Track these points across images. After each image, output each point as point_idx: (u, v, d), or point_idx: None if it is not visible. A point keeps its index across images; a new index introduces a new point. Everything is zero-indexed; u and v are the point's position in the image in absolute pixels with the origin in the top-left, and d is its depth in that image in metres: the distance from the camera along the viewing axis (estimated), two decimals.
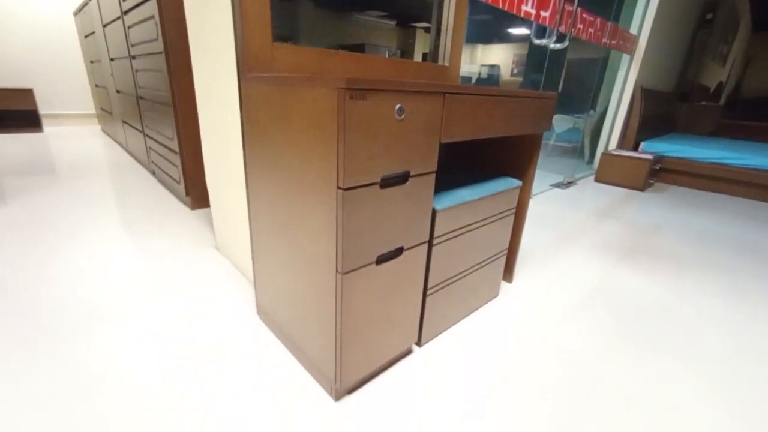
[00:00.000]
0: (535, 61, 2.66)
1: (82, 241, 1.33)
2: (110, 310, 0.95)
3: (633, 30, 2.75)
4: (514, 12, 1.52)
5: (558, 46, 1.88)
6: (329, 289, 0.63)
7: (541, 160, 3.35)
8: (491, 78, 6.57)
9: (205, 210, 1.72)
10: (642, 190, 2.55)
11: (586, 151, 3.35)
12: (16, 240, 1.30)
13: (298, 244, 0.69)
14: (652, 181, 2.61)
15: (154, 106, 1.74)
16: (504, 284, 1.20)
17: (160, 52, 1.46)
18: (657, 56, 3.15)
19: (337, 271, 0.60)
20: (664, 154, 2.80)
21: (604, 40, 2.33)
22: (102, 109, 3.34)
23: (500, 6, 1.44)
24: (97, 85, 3.26)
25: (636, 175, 2.54)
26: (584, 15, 2.01)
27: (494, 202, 0.92)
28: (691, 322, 1.06)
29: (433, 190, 0.71)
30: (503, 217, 0.99)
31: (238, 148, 0.93)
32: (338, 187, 0.55)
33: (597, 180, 2.75)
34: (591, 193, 2.47)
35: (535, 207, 2.08)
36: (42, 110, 3.73)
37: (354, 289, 0.63)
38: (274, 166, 0.71)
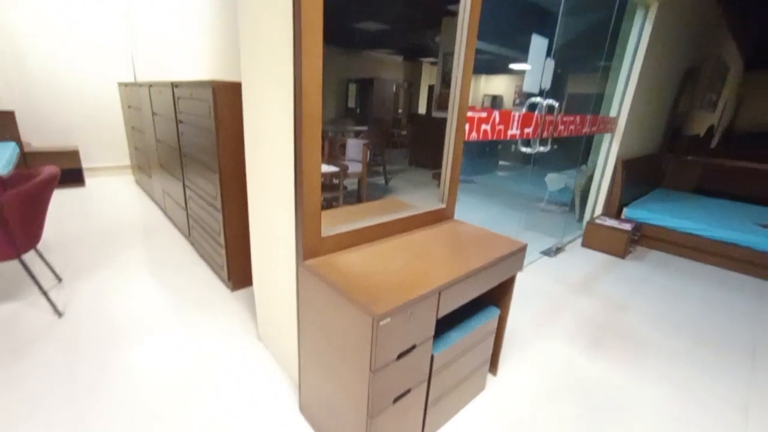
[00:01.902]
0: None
1: (124, 334, 1.65)
2: (155, 409, 1.26)
3: (612, 113, 3.10)
4: (503, 138, 1.87)
5: (543, 149, 2.22)
6: (362, 408, 0.94)
7: (535, 220, 3.66)
8: (494, 107, 7.00)
9: (245, 291, 2.04)
10: (623, 257, 2.85)
11: (577, 210, 3.66)
12: (69, 342, 1.63)
13: (341, 383, 1.01)
14: (632, 249, 2.91)
15: (205, 208, 2.09)
16: (490, 377, 1.50)
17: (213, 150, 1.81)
18: (638, 129, 3.49)
19: (367, 414, 0.91)
20: (644, 221, 3.11)
21: (584, 130, 2.67)
22: (139, 168, 3.73)
23: (490, 137, 1.78)
24: (136, 148, 3.66)
25: (617, 244, 2.84)
26: (564, 118, 2.36)
27: (479, 333, 1.23)
28: (643, 415, 1.35)
29: (431, 347, 1.02)
30: (487, 338, 1.30)
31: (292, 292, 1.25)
32: (370, 370, 0.87)
33: (584, 245, 3.06)
34: (577, 261, 2.77)
35: (523, 279, 2.38)
36: (83, 164, 4.14)
37: (381, 425, 0.94)
38: (322, 332, 1.03)
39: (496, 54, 5.35)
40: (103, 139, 4.23)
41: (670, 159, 4.64)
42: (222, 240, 1.93)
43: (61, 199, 3.37)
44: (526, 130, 2.04)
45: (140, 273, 2.15)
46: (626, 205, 3.36)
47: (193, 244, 2.50)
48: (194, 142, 2.03)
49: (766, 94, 8.72)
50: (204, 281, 2.11)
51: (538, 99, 2.05)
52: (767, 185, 4.46)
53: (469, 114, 1.54)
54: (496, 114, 1.77)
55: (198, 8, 3.23)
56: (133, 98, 3.35)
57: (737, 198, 4.03)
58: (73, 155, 3.71)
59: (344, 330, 0.94)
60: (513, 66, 6.02)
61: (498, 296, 1.37)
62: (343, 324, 0.93)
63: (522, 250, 1.28)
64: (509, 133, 1.90)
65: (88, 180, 4.08)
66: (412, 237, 1.29)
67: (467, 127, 1.58)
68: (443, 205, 1.49)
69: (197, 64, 3.48)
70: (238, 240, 1.92)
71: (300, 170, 0.99)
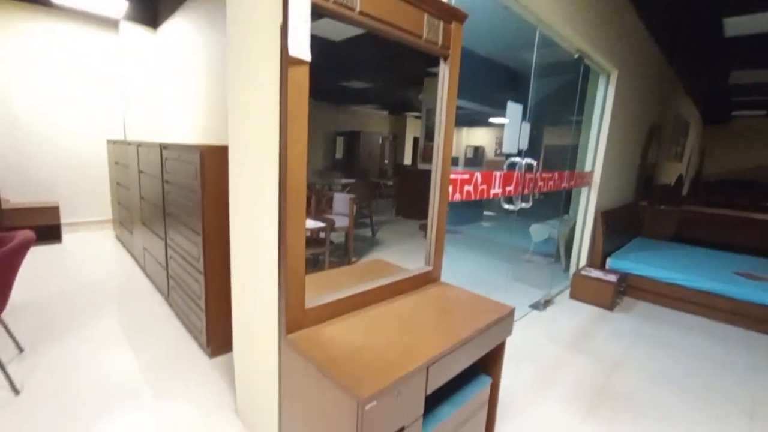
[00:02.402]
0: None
1: (88, 411, 1.51)
2: None
3: (588, 167, 3.27)
4: (485, 197, 1.92)
5: (525, 205, 2.28)
6: None
7: (521, 271, 3.67)
8: (476, 158, 7.29)
9: (224, 357, 1.92)
10: (611, 309, 2.84)
11: (563, 260, 3.70)
12: (34, 415, 1.49)
13: None
14: (619, 301, 2.92)
15: (186, 269, 2.03)
16: None
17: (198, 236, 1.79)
18: (613, 181, 3.66)
19: None
20: (628, 272, 3.15)
21: (563, 185, 2.78)
22: (121, 223, 3.65)
23: (474, 198, 1.83)
24: (119, 203, 3.62)
25: (604, 295, 2.85)
26: (543, 175, 2.46)
27: (471, 405, 1.17)
28: None
29: (421, 427, 0.96)
30: (480, 410, 1.23)
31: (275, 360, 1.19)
32: None
33: (572, 297, 3.05)
34: (567, 315, 2.74)
35: (514, 336, 2.33)
36: (62, 219, 4.04)
37: None
38: (305, 411, 0.96)
39: (477, 110, 5.70)
40: (86, 194, 4.18)
41: (646, 208, 4.84)
42: (203, 304, 1.85)
43: (35, 258, 3.24)
44: (508, 188, 2.11)
45: (113, 338, 2.02)
46: (609, 255, 3.42)
47: (171, 305, 2.40)
48: (179, 203, 2.03)
49: (724, 146, 9.42)
50: (181, 347, 1.99)
51: (517, 159, 2.15)
52: (738, 232, 4.65)
53: (452, 176, 1.60)
54: (478, 175, 1.83)
55: (194, 71, 3.38)
56: (120, 155, 3.38)
57: (713, 245, 4.17)
58: (53, 211, 3.63)
59: (328, 411, 0.88)
60: (492, 120, 6.39)
61: (488, 363, 1.33)
62: (327, 405, 0.88)
63: (510, 314, 1.27)
64: (492, 192, 1.97)
65: (66, 235, 3.96)
66: (398, 304, 1.26)
67: (450, 188, 1.63)
68: (429, 267, 1.48)
69: (188, 123, 3.58)
70: (219, 305, 1.84)
71: (284, 242, 0.98)
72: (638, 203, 4.73)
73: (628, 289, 3.15)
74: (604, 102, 3.18)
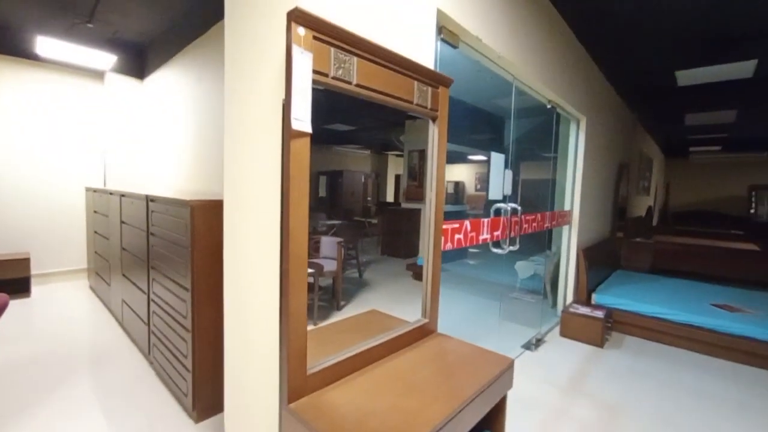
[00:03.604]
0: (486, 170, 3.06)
1: None
2: None
3: (566, 206, 3.42)
4: (475, 243, 1.97)
5: (513, 248, 2.35)
6: None
7: (510, 309, 3.69)
8: (457, 193, 7.49)
9: (211, 421, 1.80)
10: (601, 346, 2.87)
11: (549, 297, 3.75)
12: None
13: None
14: (608, 336, 2.96)
15: (172, 326, 1.95)
16: None
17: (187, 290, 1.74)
18: (590, 218, 3.83)
19: None
20: (614, 307, 3.22)
21: (546, 225, 2.89)
22: (97, 273, 3.50)
23: (464, 245, 1.87)
24: (96, 253, 3.48)
25: (593, 332, 2.88)
26: (527, 217, 2.55)
27: None
28: None
29: None
30: None
31: None
32: None
33: (562, 334, 3.07)
34: (559, 354, 2.75)
35: None
36: (33, 270, 3.84)
37: None
38: None
39: (456, 150, 5.97)
40: (60, 243, 4.02)
41: (622, 240, 5.04)
42: (189, 364, 1.77)
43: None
44: (495, 233, 2.17)
45: (85, 407, 1.87)
46: (593, 290, 3.50)
47: (152, 363, 2.26)
48: (166, 256, 1.98)
49: (685, 178, 10.08)
50: (163, 411, 1.87)
51: (502, 205, 2.24)
52: (710, 261, 4.87)
53: (444, 227, 1.64)
54: (467, 223, 1.89)
55: (181, 121, 3.42)
56: (100, 204, 3.30)
57: (688, 275, 4.34)
58: (22, 263, 3.45)
59: None
60: (471, 157, 6.68)
61: (491, 417, 1.30)
62: None
63: (510, 366, 1.27)
64: (480, 238, 2.02)
65: (37, 287, 3.74)
66: (398, 361, 1.25)
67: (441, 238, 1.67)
68: (426, 320, 1.48)
69: (172, 172, 3.57)
70: (207, 366, 1.76)
71: (286, 310, 0.97)
72: (615, 235, 4.92)
73: (614, 324, 3.20)
74: (576, 146, 3.39)
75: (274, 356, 1.06)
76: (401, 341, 1.34)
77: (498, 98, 3.83)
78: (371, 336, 1.28)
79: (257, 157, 1.15)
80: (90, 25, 3.50)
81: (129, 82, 4.16)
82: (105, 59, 3.56)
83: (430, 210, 1.47)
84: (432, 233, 1.47)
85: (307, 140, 0.98)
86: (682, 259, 5.05)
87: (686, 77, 3.65)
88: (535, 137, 3.60)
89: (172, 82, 3.53)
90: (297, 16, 0.91)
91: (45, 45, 3.26)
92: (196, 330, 1.75)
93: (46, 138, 3.92)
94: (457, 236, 1.82)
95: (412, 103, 1.29)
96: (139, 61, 4.16)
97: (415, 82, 1.30)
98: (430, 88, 1.36)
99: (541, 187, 3.44)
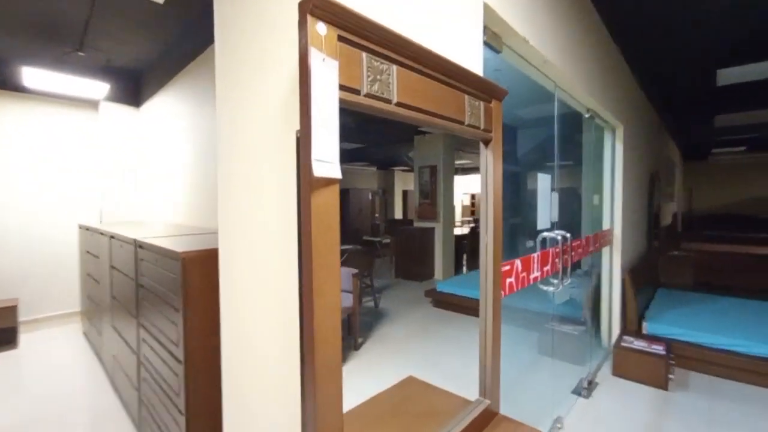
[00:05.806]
0: (511, 190, 2.70)
1: None
2: None
3: (605, 225, 3.05)
4: (527, 284, 1.62)
5: (567, 282, 1.99)
6: None
7: (549, 341, 3.29)
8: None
9: None
10: (665, 389, 2.46)
11: (590, 325, 3.35)
12: None
13: None
14: (671, 376, 2.55)
15: (163, 402, 1.61)
16: None
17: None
18: (632, 235, 3.45)
19: None
20: (671, 338, 2.81)
21: (591, 249, 2.53)
22: (89, 319, 3.18)
23: (517, 289, 1.53)
24: (89, 297, 3.18)
25: (655, 372, 2.49)
26: (574, 243, 2.20)
27: None
28: None
29: None
30: None
31: None
32: None
33: (615, 373, 2.67)
34: (618, 400, 2.36)
35: None
36: (21, 317, 3.54)
37: None
38: None
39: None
40: (52, 285, 3.72)
41: (660, 254, 4.63)
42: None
43: None
44: (546, 269, 1.82)
45: None
46: (642, 316, 3.10)
47: (139, 426, 1.92)
48: (156, 314, 1.65)
49: (706, 182, 9.67)
50: None
51: (550, 234, 1.90)
52: (755, 272, 4.43)
53: None
54: (518, 262, 1.55)
55: (179, 149, 3.16)
56: (92, 244, 3.01)
57: (737, 291, 3.91)
58: (8, 312, 3.15)
59: None
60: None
61: None
62: None
63: None
64: (531, 276, 1.67)
65: (25, 335, 3.43)
66: None
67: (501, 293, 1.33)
68: (488, 401, 1.13)
69: (169, 200, 3.28)
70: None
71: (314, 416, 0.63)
72: (652, 246, 4.52)
73: (675, 358, 2.79)
74: (613, 158, 3.05)
75: None
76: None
77: (514, 107, 3.49)
78: (416, 421, 0.93)
79: (262, 204, 0.83)
80: (81, 54, 3.28)
81: (125, 110, 3.93)
82: (98, 88, 3.32)
83: (486, 258, 1.13)
84: (490, 289, 1.13)
85: (336, 189, 0.66)
86: (726, 270, 4.62)
87: (728, 76, 3.33)
88: (557, 148, 3.26)
89: (171, 107, 3.28)
90: (315, 6, 0.60)
91: (32, 76, 3.03)
92: (191, 412, 1.41)
93: (36, 173, 3.68)
94: (508, 280, 1.48)
95: (463, 123, 0.97)
96: (134, 88, 3.93)
97: (466, 96, 0.98)
98: (482, 103, 1.04)
99: (567, 204, 3.07)
